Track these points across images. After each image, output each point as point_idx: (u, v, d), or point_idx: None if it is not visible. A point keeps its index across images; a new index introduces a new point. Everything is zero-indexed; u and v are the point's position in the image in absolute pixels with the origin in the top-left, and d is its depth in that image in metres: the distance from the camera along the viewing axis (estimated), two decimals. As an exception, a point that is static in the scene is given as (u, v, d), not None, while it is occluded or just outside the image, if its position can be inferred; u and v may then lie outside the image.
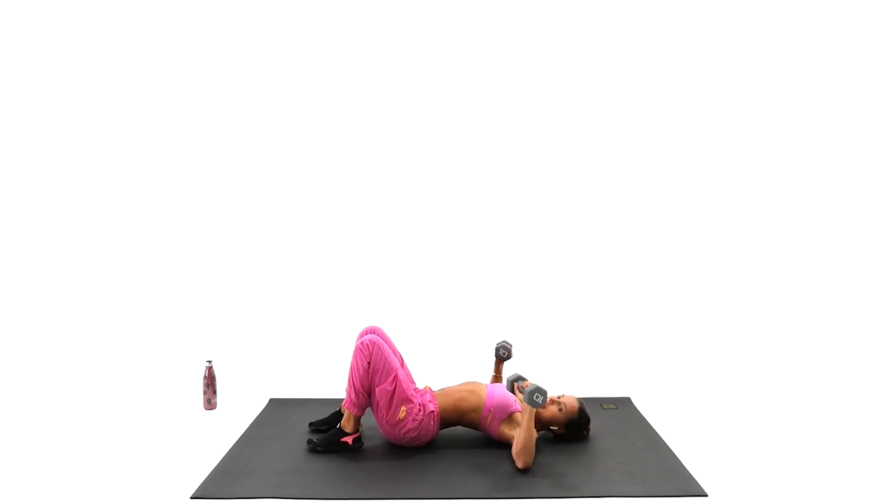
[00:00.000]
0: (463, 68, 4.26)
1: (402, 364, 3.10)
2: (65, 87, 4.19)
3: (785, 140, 4.28)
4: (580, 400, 3.13)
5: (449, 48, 4.24)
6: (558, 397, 3.10)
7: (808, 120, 4.26)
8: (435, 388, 3.31)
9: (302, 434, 3.15)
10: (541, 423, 3.08)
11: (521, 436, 2.77)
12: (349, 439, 2.97)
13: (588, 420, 3.12)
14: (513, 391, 3.00)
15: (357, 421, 2.99)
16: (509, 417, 2.99)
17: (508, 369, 3.93)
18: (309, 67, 4.24)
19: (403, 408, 2.92)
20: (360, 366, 2.89)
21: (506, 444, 2.97)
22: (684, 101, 4.27)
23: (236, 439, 3.11)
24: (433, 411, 2.98)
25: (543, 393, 2.72)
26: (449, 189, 4.34)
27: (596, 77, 4.27)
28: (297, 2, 4.19)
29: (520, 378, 2.97)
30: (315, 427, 3.19)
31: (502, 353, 3.38)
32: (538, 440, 3.04)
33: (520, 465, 2.78)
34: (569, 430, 3.09)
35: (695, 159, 4.32)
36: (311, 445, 2.97)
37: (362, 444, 3.03)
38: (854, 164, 4.27)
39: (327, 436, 2.98)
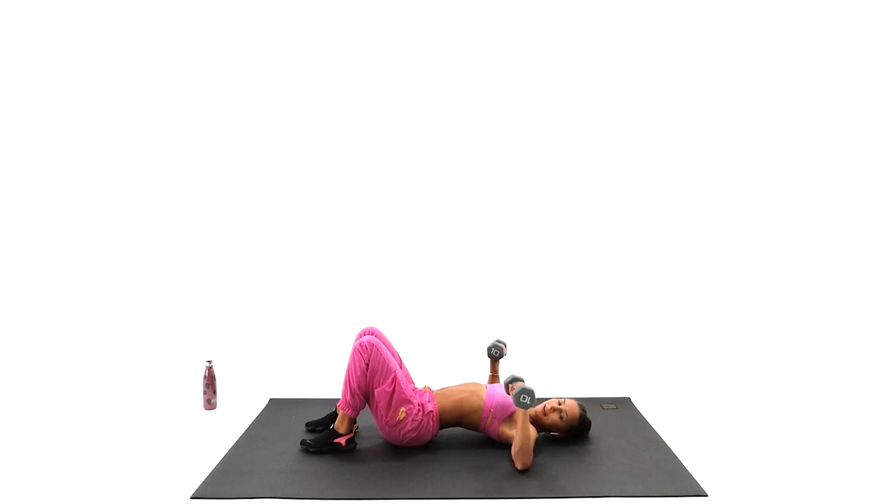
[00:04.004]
0: (461, 69, 4.26)
1: (401, 364, 3.11)
2: (64, 87, 4.19)
3: (783, 140, 4.28)
4: (581, 406, 3.12)
5: (446, 48, 4.24)
6: (560, 403, 3.09)
7: (807, 120, 4.26)
8: (434, 387, 3.31)
9: (301, 434, 3.15)
10: (542, 429, 3.09)
11: (517, 437, 2.78)
12: (342, 440, 2.97)
13: (589, 425, 3.12)
14: (508, 391, 3.01)
15: (351, 422, 2.98)
16: (509, 417, 2.99)
17: (506, 367, 3.94)
18: (308, 68, 4.24)
19: (403, 409, 2.91)
20: (357, 367, 2.89)
21: (506, 445, 2.97)
22: (682, 101, 4.27)
23: (236, 439, 3.11)
24: (432, 411, 2.98)
25: (531, 394, 2.72)
26: (448, 189, 4.34)
27: (593, 77, 4.27)
28: (297, 2, 4.19)
29: (515, 378, 2.97)
30: (312, 427, 3.19)
31: (494, 353, 3.38)
32: (538, 440, 3.04)
33: (519, 465, 2.78)
34: (570, 434, 3.10)
35: (694, 160, 4.32)
36: (304, 446, 2.97)
37: (356, 444, 3.03)
38: (854, 164, 4.27)
39: (321, 436, 2.98)
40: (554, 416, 3.05)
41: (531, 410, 3.03)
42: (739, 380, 3.94)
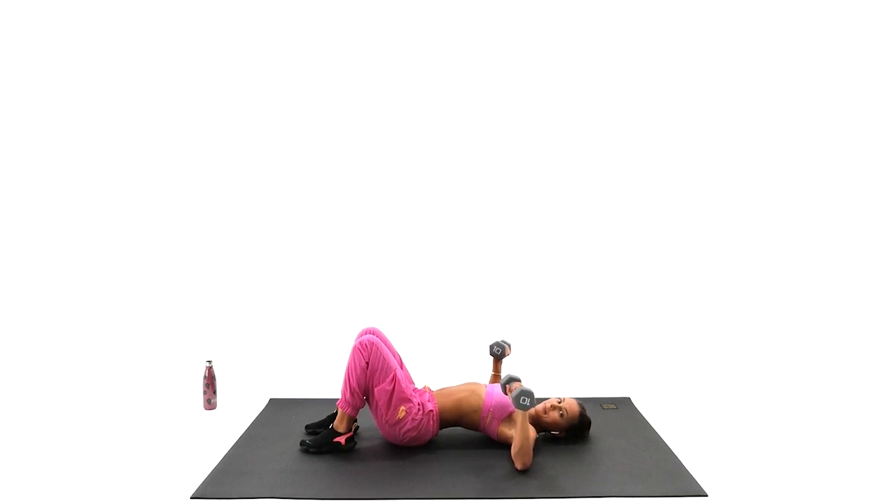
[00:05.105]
0: (461, 69, 4.26)
1: (401, 364, 3.11)
2: (64, 87, 4.19)
3: (783, 140, 4.28)
4: (581, 404, 3.13)
5: (447, 48, 4.24)
6: (559, 401, 3.09)
7: (807, 120, 4.26)
8: (434, 387, 3.31)
9: (302, 434, 3.15)
10: (542, 428, 3.09)
11: (517, 437, 2.78)
12: (342, 439, 2.97)
13: (589, 423, 3.13)
14: (505, 392, 3.00)
15: (351, 421, 2.98)
16: (509, 417, 2.99)
17: (508, 368, 3.93)
18: (308, 68, 4.24)
19: (403, 408, 2.92)
20: (357, 365, 2.89)
21: (506, 445, 2.97)
22: (682, 101, 4.27)
23: (236, 439, 3.11)
24: (432, 411, 2.99)
25: (530, 395, 2.71)
26: (448, 189, 4.34)
27: (593, 77, 4.27)
28: (297, 2, 4.19)
29: (512, 379, 2.96)
30: (311, 430, 3.19)
31: (497, 351, 3.38)
32: (538, 440, 3.04)
33: (519, 466, 2.78)
34: (570, 433, 3.10)
35: (694, 159, 4.32)
36: (304, 446, 2.97)
37: (355, 443, 3.03)
38: (854, 164, 4.27)
39: (320, 436, 2.98)
40: (554, 415, 3.05)
41: (531, 410, 3.03)
42: (739, 380, 3.94)
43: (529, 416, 2.98)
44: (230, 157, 4.30)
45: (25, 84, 4.17)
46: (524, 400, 2.71)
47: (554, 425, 3.07)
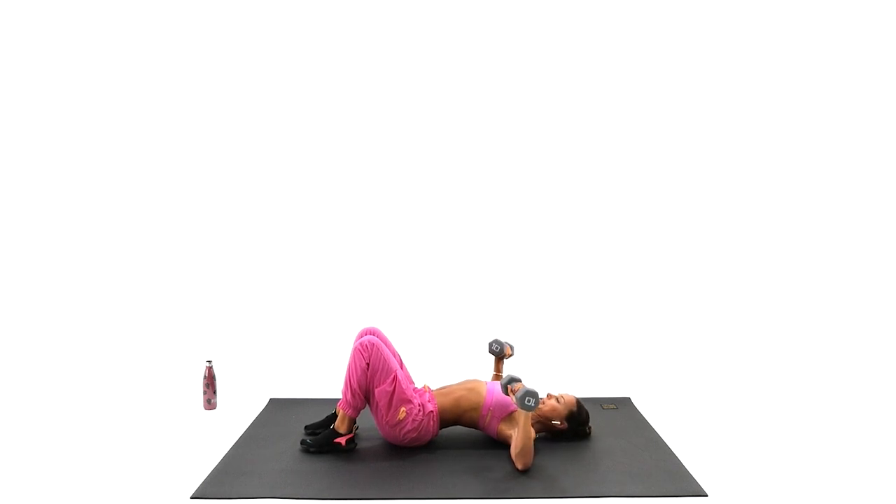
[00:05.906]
0: (461, 68, 4.26)
1: (402, 365, 3.11)
2: (65, 87, 4.19)
3: (783, 140, 4.28)
4: (576, 398, 3.16)
5: (446, 48, 4.24)
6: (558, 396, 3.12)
7: (807, 120, 4.26)
8: (434, 387, 3.31)
9: (302, 434, 3.15)
10: (542, 419, 3.08)
11: (518, 438, 2.78)
12: (342, 440, 2.97)
13: (588, 415, 3.13)
14: (507, 393, 2.99)
15: (351, 422, 2.98)
16: (509, 416, 2.99)
17: (509, 367, 3.94)
18: (308, 68, 4.24)
19: (403, 409, 2.92)
20: (357, 366, 2.89)
21: (505, 444, 2.97)
22: (683, 101, 4.27)
23: (236, 439, 3.11)
24: (432, 411, 2.99)
25: (535, 395, 2.71)
26: (448, 189, 4.34)
27: (594, 76, 4.27)
28: (298, 2, 4.19)
29: (513, 380, 2.96)
30: (311, 430, 3.18)
31: (495, 349, 3.37)
32: (538, 440, 3.04)
33: (519, 466, 2.78)
34: (570, 423, 3.09)
35: (694, 159, 4.32)
36: (305, 446, 2.97)
37: (356, 444, 3.03)
38: (854, 164, 4.27)
39: (321, 436, 2.98)
40: (552, 402, 3.07)
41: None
42: (739, 380, 3.94)
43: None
44: (230, 158, 4.30)
45: (25, 85, 4.16)
46: (529, 400, 2.71)
47: (553, 411, 3.06)
